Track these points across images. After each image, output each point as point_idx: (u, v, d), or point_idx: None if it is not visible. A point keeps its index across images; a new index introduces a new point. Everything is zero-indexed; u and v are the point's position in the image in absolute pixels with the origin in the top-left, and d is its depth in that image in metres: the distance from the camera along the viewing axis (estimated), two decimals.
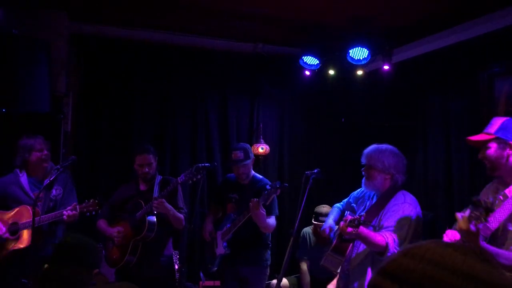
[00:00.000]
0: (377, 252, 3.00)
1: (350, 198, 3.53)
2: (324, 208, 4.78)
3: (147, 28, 5.20)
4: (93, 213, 3.67)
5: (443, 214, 4.74)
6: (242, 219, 3.73)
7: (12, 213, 3.69)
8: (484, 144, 2.65)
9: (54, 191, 3.79)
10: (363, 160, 3.22)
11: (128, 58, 5.30)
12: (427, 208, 4.98)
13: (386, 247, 2.92)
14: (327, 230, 3.35)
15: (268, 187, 3.65)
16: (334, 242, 3.17)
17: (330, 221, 3.43)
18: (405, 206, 3.05)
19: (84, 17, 4.89)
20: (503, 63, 4.30)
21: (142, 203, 3.83)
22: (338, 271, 3.29)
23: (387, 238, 2.93)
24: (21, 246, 3.58)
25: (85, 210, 3.61)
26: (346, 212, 3.40)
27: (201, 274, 4.34)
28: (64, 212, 3.56)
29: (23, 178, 3.76)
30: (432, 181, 5.02)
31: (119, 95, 5.29)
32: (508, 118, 2.67)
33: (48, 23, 4.61)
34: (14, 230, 3.63)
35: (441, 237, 2.96)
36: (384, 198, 3.14)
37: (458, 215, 2.38)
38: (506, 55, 4.25)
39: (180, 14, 4.78)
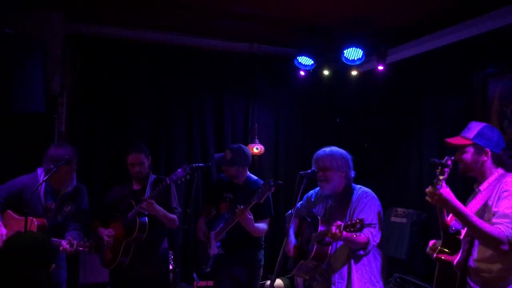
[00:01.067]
0: (361, 248, 3.13)
1: (304, 200, 3.59)
2: None
3: (143, 28, 5.20)
4: (88, 252, 3.66)
5: (437, 214, 4.74)
6: (235, 219, 3.73)
7: (18, 220, 3.56)
8: (461, 147, 2.76)
9: (66, 208, 3.74)
10: (317, 165, 3.31)
11: (124, 58, 5.29)
12: (422, 208, 5.01)
13: (368, 242, 3.10)
14: (292, 250, 3.44)
15: (261, 185, 3.65)
16: (314, 250, 3.17)
17: (292, 238, 3.50)
18: (370, 199, 3.24)
19: (80, 17, 4.88)
20: (497, 63, 4.32)
21: (134, 203, 3.83)
22: (307, 277, 3.38)
23: (366, 233, 3.08)
24: None
25: (81, 248, 3.56)
26: (306, 218, 3.46)
27: (195, 275, 4.33)
28: (63, 242, 3.52)
29: (42, 186, 3.64)
30: (427, 181, 5.03)
31: (114, 95, 5.27)
32: (485, 124, 2.78)
33: (43, 23, 4.60)
34: None
35: (434, 236, 3.00)
36: (345, 196, 3.28)
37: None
38: (500, 56, 4.27)
39: (175, 14, 4.77)
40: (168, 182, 3.74)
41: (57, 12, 4.66)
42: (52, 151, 3.67)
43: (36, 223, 3.48)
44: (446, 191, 2.50)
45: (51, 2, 4.50)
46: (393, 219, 5.12)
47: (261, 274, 4.02)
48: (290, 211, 3.62)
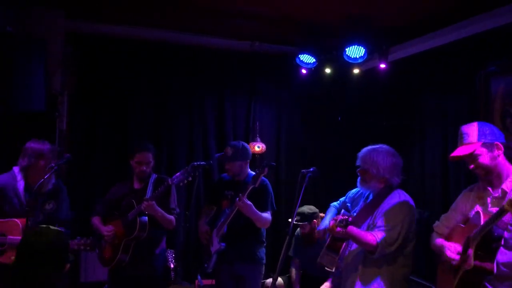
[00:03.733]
0: (368, 251, 3.03)
1: (346, 197, 3.54)
2: (302, 208, 4.72)
3: (144, 26, 5.19)
4: (86, 250, 3.60)
5: (439, 212, 4.72)
6: (234, 210, 3.73)
7: (2, 222, 3.54)
8: (471, 155, 2.67)
9: (47, 205, 3.69)
10: (358, 163, 3.21)
11: (124, 56, 5.28)
12: (424, 207, 4.98)
13: (376, 246, 2.95)
14: (322, 232, 3.36)
15: (257, 171, 3.66)
16: (328, 240, 3.18)
17: (326, 222, 3.42)
18: (399, 205, 3.06)
19: (81, 15, 4.87)
20: (500, 61, 4.30)
21: (134, 203, 3.82)
22: (333, 270, 3.30)
23: (377, 237, 2.95)
24: (6, 261, 3.41)
25: (76, 247, 3.51)
26: (342, 210, 3.40)
27: (199, 277, 4.33)
28: None
29: (20, 184, 3.64)
30: (429, 180, 5.02)
31: (115, 93, 5.26)
32: (477, 123, 2.73)
33: (44, 21, 4.59)
34: (1, 242, 3.49)
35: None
36: (379, 198, 3.14)
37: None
38: (502, 54, 4.24)
39: (177, 12, 4.76)
40: (169, 183, 3.74)
41: (57, 10, 4.65)
42: (29, 146, 3.64)
43: (20, 225, 3.44)
44: None
45: (52, 0, 4.49)
46: None
47: (263, 272, 4.02)
48: (334, 203, 3.60)
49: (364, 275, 3.08)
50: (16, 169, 3.69)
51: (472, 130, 2.71)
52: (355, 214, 3.22)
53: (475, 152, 2.66)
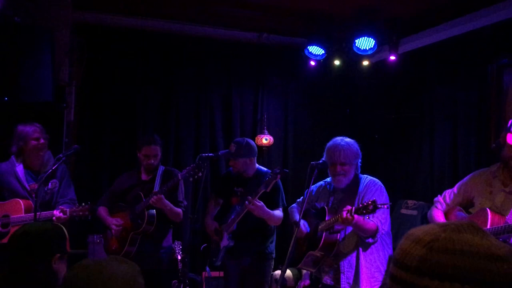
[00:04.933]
0: (369, 236, 3.11)
1: (306, 196, 3.51)
2: None
3: (151, 17, 5.15)
4: (88, 217, 3.61)
5: None
6: (245, 209, 3.70)
7: (3, 204, 3.61)
8: None
9: (50, 184, 3.72)
10: (335, 158, 3.22)
11: (132, 48, 5.25)
12: (432, 200, 4.94)
13: (376, 229, 3.08)
14: (303, 228, 3.36)
15: (269, 174, 3.63)
16: (323, 239, 3.13)
17: (301, 221, 3.42)
18: (379, 186, 3.22)
19: (87, 5, 4.84)
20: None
21: (142, 195, 3.80)
22: (314, 270, 3.33)
23: (375, 221, 3.07)
24: None
25: (74, 214, 3.54)
26: (311, 209, 3.44)
27: (207, 269, 4.32)
28: (55, 212, 3.52)
29: (19, 168, 3.69)
30: (438, 173, 4.97)
31: (122, 85, 5.24)
32: None
33: (51, 12, 4.55)
34: (5, 223, 3.55)
35: None
36: (353, 186, 3.25)
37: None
38: None
39: (183, 3, 4.72)
40: (180, 178, 3.72)
41: (64, 0, 4.62)
42: (15, 130, 3.69)
43: (22, 205, 3.52)
44: None
45: None
46: (403, 211, 5.06)
47: (272, 266, 4.00)
48: (293, 205, 3.67)
49: (364, 260, 3.15)
50: (12, 156, 3.74)
51: None
52: (330, 206, 3.30)
53: None
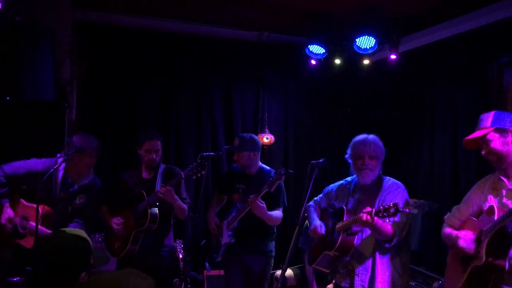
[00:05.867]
0: (386, 240, 3.03)
1: (323, 194, 3.54)
2: None
3: (152, 16, 5.16)
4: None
5: (449, 204, 4.69)
6: (246, 207, 3.71)
7: (27, 207, 3.57)
8: (483, 138, 2.66)
9: (78, 200, 3.72)
10: (364, 152, 3.20)
11: (132, 46, 5.26)
12: (433, 199, 4.96)
13: (393, 234, 3.00)
14: (319, 228, 3.32)
15: (273, 174, 3.63)
16: (340, 240, 3.08)
17: (318, 221, 3.42)
18: (402, 190, 3.17)
19: (88, 4, 4.85)
20: None
21: (144, 194, 3.80)
22: (328, 271, 3.30)
23: (393, 225, 3.00)
24: (25, 245, 3.48)
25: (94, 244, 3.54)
26: (328, 209, 3.40)
27: (207, 264, 4.33)
28: None
29: (60, 174, 3.66)
30: (438, 171, 4.98)
31: (124, 83, 5.25)
32: (495, 111, 2.73)
33: (51, 10, 4.56)
34: (23, 226, 3.53)
35: None
36: (375, 186, 3.20)
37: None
38: None
39: (184, 2, 4.73)
40: (183, 176, 3.72)
41: None
42: (74, 139, 3.67)
43: (40, 211, 3.43)
44: None
45: None
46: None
47: (272, 264, 4.01)
48: (310, 203, 3.60)
49: (381, 265, 3.10)
50: (59, 157, 3.66)
51: (488, 116, 2.70)
52: (350, 207, 3.23)
53: (487, 137, 2.65)
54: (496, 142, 2.63)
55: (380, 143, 3.26)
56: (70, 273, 1.92)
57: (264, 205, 3.64)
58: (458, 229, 2.86)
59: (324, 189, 3.55)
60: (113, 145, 5.15)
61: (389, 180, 3.25)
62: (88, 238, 2.08)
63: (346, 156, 3.31)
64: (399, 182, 3.24)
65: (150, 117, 5.33)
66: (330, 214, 3.35)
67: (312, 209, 3.56)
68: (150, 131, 4.10)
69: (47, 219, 3.51)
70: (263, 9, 4.86)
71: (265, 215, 3.71)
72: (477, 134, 2.70)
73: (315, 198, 3.60)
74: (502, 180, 2.68)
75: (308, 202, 3.41)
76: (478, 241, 2.58)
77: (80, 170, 3.70)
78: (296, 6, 4.72)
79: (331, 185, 3.52)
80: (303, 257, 4.97)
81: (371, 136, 3.27)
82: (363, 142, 3.22)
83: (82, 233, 2.11)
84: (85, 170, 3.72)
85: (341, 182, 3.49)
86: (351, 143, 3.32)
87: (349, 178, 3.45)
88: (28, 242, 3.49)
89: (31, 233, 3.45)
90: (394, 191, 3.15)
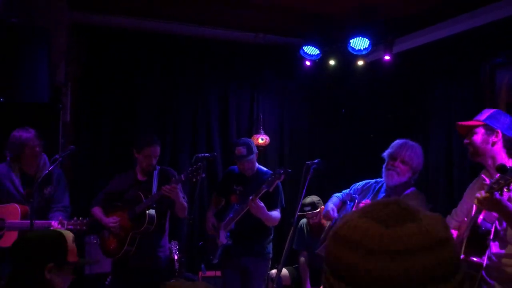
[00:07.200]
0: None
1: (351, 189, 3.52)
2: (307, 198, 4.73)
3: (148, 17, 5.16)
4: (84, 231, 3.65)
5: (443, 204, 4.72)
6: (244, 209, 3.72)
7: (3, 207, 3.60)
8: (471, 129, 2.71)
9: (45, 190, 3.73)
10: (404, 156, 3.13)
11: (128, 48, 5.26)
12: (428, 199, 4.95)
13: None
14: (331, 212, 3.29)
15: (271, 174, 3.64)
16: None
17: (331, 205, 3.39)
18: (421, 198, 3.10)
19: (84, 6, 4.85)
20: (505, 53, 4.27)
21: (142, 196, 3.80)
22: None
23: None
24: (3, 245, 3.46)
25: (72, 227, 3.52)
26: (347, 201, 3.39)
27: (203, 266, 4.32)
28: (53, 223, 3.51)
29: (15, 172, 3.69)
30: (433, 172, 5.00)
31: (119, 85, 5.25)
32: (498, 109, 2.77)
33: (47, 12, 4.56)
34: (0, 226, 3.55)
35: None
36: (398, 191, 3.14)
37: (477, 194, 2.41)
38: (508, 46, 4.21)
39: (180, 4, 4.74)
40: (183, 178, 3.72)
41: (61, 1, 4.63)
42: (12, 135, 3.67)
43: (19, 210, 3.53)
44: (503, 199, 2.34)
45: None
46: None
47: (269, 266, 4.02)
48: (337, 193, 3.54)
49: None
50: (8, 158, 3.74)
51: (486, 111, 2.73)
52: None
53: (474, 129, 2.68)
54: (479, 136, 2.67)
55: (419, 153, 3.16)
56: (37, 260, 1.93)
57: (263, 205, 3.66)
58: (453, 229, 2.89)
59: (352, 185, 3.50)
60: (109, 147, 5.16)
61: (413, 189, 3.18)
62: (68, 235, 2.06)
63: (384, 154, 3.23)
64: (421, 193, 3.20)
65: (146, 118, 5.32)
66: (346, 205, 3.35)
67: (334, 197, 3.52)
68: (149, 135, 4.04)
69: (26, 216, 3.54)
70: (259, 10, 4.87)
71: (264, 215, 3.72)
72: (469, 122, 2.76)
73: (344, 191, 3.54)
74: (484, 179, 2.72)
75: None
76: (460, 242, 2.63)
77: (31, 163, 3.71)
78: (291, 8, 4.74)
79: (361, 182, 3.46)
80: (297, 258, 4.98)
81: (413, 143, 3.20)
82: (402, 144, 3.16)
83: (60, 230, 2.15)
84: (34, 161, 3.71)
85: (371, 181, 3.44)
86: (392, 143, 3.25)
87: (380, 179, 3.37)
88: (6, 241, 3.47)
89: (9, 231, 3.51)
90: (412, 196, 3.08)
